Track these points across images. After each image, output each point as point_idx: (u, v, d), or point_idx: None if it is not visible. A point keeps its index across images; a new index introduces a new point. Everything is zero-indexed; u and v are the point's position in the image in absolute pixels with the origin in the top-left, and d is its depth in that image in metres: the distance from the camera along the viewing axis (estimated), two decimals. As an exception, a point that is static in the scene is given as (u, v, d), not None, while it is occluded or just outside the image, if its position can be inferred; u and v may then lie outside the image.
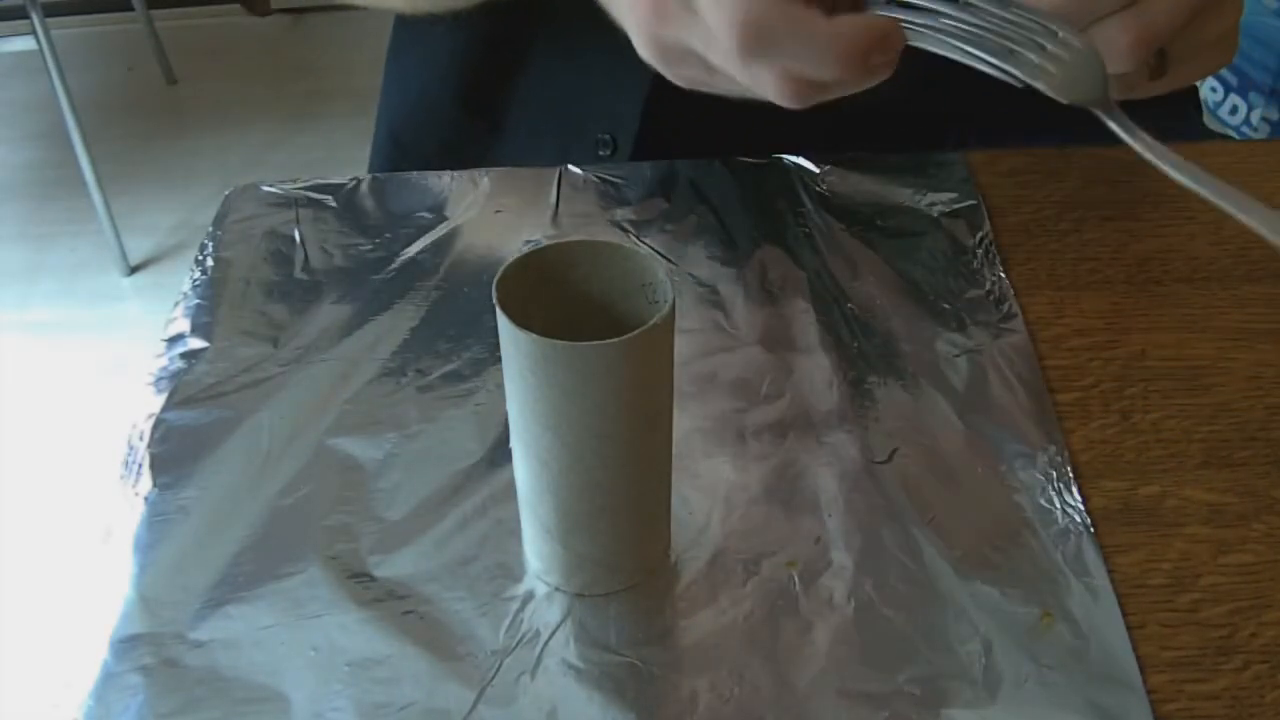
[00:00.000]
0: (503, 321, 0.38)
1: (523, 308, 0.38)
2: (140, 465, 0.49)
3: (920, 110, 0.65)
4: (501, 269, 0.39)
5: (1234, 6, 0.46)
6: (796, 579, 0.44)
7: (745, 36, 0.39)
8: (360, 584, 0.45)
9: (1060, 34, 0.43)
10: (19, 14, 1.78)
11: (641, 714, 0.40)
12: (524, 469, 0.42)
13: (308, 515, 0.47)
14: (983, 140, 0.68)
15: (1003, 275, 0.57)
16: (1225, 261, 0.58)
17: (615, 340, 0.37)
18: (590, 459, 0.40)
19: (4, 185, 2.07)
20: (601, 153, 0.68)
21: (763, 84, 0.41)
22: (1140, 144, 0.43)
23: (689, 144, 0.64)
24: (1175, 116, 0.76)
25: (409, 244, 0.60)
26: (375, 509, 0.47)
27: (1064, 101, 0.43)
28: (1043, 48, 0.42)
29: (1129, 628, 0.43)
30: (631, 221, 0.61)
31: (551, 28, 0.69)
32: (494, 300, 0.38)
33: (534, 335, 0.37)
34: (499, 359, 0.41)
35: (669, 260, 0.58)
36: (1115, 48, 0.43)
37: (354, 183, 0.64)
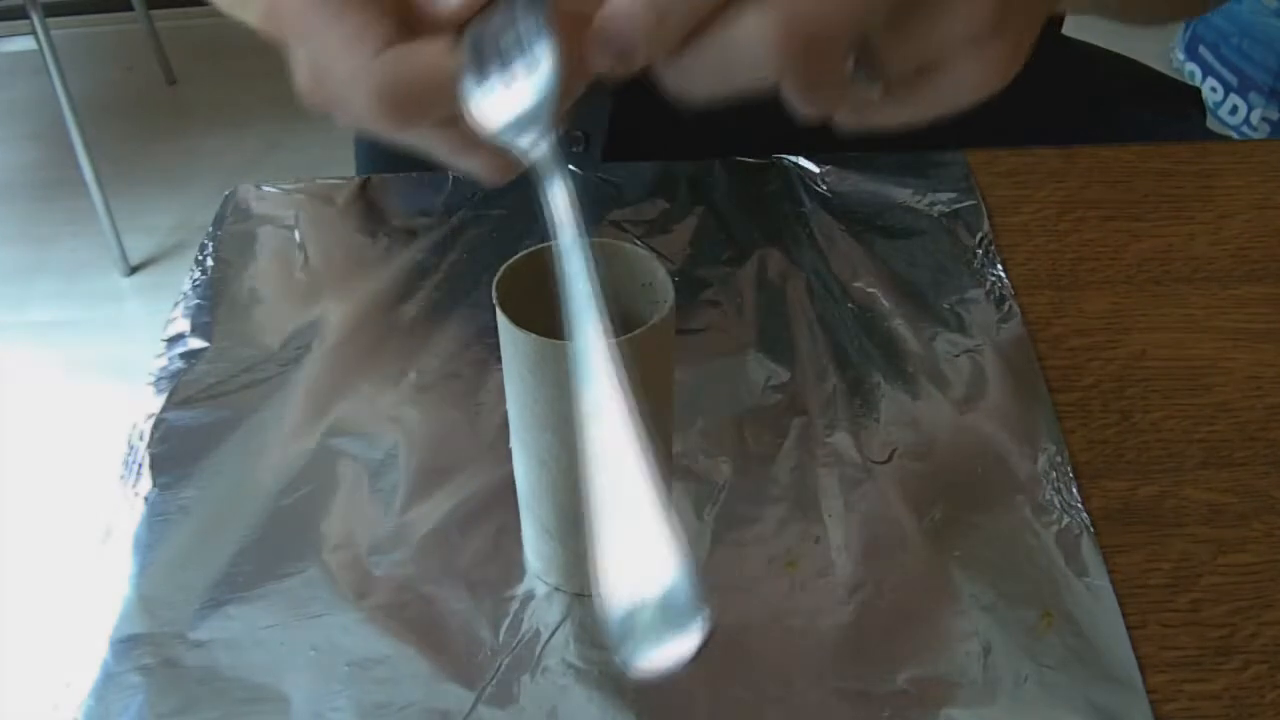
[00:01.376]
0: (502, 321, 0.38)
1: (522, 308, 0.38)
2: (140, 465, 0.49)
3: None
4: (501, 269, 0.39)
5: None
6: (796, 579, 0.44)
7: (384, 112, 0.35)
8: (360, 584, 0.44)
9: (534, 46, 0.34)
10: (19, 14, 1.78)
11: (641, 714, 0.40)
12: (524, 469, 0.42)
13: (308, 515, 0.47)
14: (983, 140, 0.68)
15: (1003, 275, 0.57)
16: (1225, 261, 0.58)
17: (615, 340, 0.37)
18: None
19: (4, 185, 2.07)
20: (574, 149, 0.68)
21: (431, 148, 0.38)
22: (552, 210, 0.34)
23: (662, 140, 0.64)
24: (1176, 117, 0.76)
25: (409, 244, 0.60)
26: (375, 509, 0.47)
27: (488, 133, 0.34)
28: (508, 64, 0.34)
29: (1129, 628, 0.43)
30: (631, 221, 0.61)
31: None
32: (493, 300, 0.38)
33: (534, 335, 0.37)
34: (499, 359, 0.41)
35: (669, 260, 0.58)
36: (756, 42, 0.31)
37: (354, 183, 0.64)
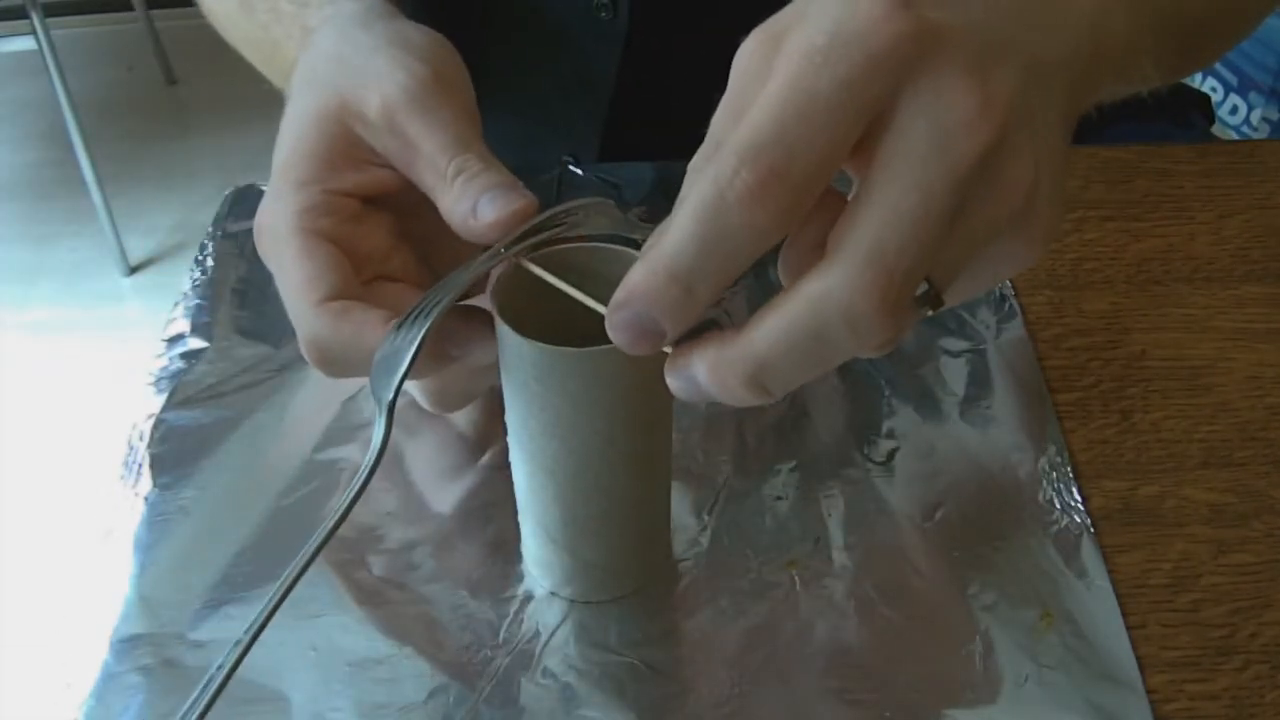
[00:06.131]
0: (503, 330, 0.37)
1: (520, 313, 0.37)
2: (140, 465, 0.49)
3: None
4: (498, 275, 0.38)
5: (1020, 165, 0.30)
6: (796, 579, 0.44)
7: (312, 356, 0.40)
8: (360, 584, 0.44)
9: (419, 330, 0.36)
10: (19, 14, 1.78)
11: (641, 714, 0.40)
12: (526, 478, 0.41)
13: (308, 515, 0.47)
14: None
15: (1003, 275, 0.57)
16: (1225, 261, 0.58)
17: (615, 347, 0.36)
18: (597, 464, 0.39)
19: (4, 185, 2.07)
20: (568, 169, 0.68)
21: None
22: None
23: (653, 157, 0.64)
24: (1179, 125, 0.76)
25: (409, 244, 0.59)
26: (375, 509, 0.47)
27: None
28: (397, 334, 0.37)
29: (1129, 628, 0.43)
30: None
31: (500, 57, 0.69)
32: (492, 308, 0.37)
33: (539, 344, 0.36)
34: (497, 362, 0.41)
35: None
36: (848, 301, 0.29)
37: (354, 183, 0.63)
